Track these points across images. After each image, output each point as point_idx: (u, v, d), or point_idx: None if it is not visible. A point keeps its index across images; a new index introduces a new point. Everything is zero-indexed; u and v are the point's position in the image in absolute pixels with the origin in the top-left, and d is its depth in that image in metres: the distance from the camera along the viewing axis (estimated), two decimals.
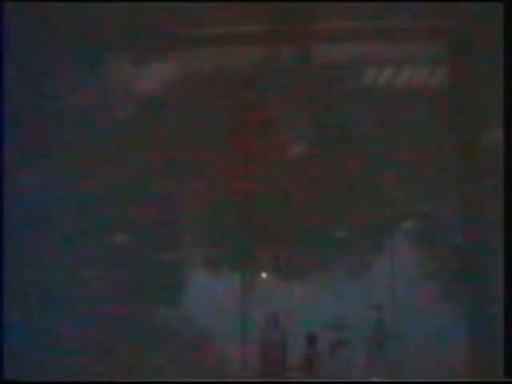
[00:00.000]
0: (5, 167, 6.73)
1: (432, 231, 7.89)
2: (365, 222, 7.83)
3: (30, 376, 6.21)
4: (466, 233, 7.75)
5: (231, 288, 7.78)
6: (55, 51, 7.53)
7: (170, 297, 7.75)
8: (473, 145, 7.76)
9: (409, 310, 7.46)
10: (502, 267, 5.85)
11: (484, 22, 7.12)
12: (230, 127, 7.96)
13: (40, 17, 7.22)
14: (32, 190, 7.37)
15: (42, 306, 7.11)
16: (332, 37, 7.89)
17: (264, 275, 8.00)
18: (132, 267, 7.55)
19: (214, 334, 7.62)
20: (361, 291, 7.57)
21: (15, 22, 6.93)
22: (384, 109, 7.78)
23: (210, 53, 7.96)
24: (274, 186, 7.81)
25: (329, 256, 7.88)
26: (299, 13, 7.67)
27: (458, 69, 7.88)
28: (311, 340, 7.50)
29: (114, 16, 7.52)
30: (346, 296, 7.51)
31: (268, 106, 7.97)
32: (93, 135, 7.55)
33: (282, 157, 8.05)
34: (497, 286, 6.27)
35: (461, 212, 7.73)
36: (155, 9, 7.37)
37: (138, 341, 7.40)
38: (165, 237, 7.78)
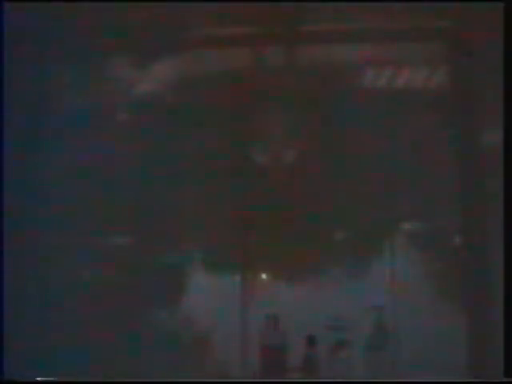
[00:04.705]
0: (5, 167, 6.74)
1: (432, 232, 7.90)
2: (365, 224, 7.84)
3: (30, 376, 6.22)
4: (465, 233, 7.76)
5: (231, 289, 7.78)
6: (55, 52, 7.54)
7: (169, 298, 7.75)
8: (473, 145, 7.77)
9: (409, 311, 7.46)
10: (502, 268, 5.83)
11: (484, 21, 7.14)
12: (229, 130, 7.97)
13: (40, 17, 7.23)
14: (31, 191, 7.36)
15: (41, 306, 7.11)
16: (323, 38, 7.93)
17: (264, 276, 8.00)
18: (131, 268, 7.54)
19: (214, 336, 7.61)
20: (361, 292, 7.57)
21: (15, 22, 6.94)
22: (383, 110, 7.79)
23: (203, 55, 7.99)
24: (274, 187, 7.82)
25: (329, 257, 7.89)
26: (290, 14, 7.69)
27: (457, 69, 7.90)
28: (311, 341, 7.50)
29: (113, 18, 7.53)
30: (346, 297, 7.51)
31: (266, 112, 8.00)
32: (93, 137, 7.55)
33: (281, 158, 8.07)
34: (497, 287, 6.27)
35: (461, 213, 7.74)
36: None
37: (137, 342, 7.38)
38: (165, 238, 7.78)
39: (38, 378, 6.20)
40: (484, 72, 7.40)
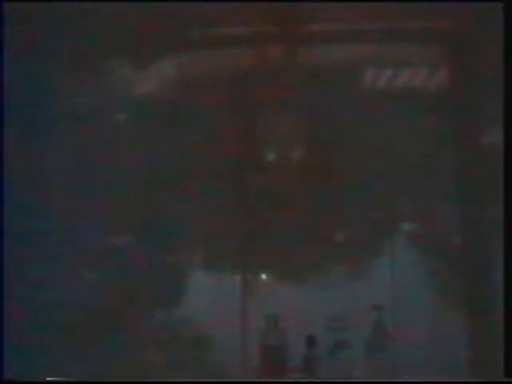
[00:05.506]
0: (5, 167, 6.74)
1: (432, 233, 7.90)
2: (365, 224, 7.84)
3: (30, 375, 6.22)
4: (465, 233, 7.77)
5: (231, 290, 7.79)
6: (55, 53, 7.53)
7: (169, 298, 7.75)
8: (473, 145, 7.78)
9: (409, 311, 7.46)
10: (501, 268, 5.83)
11: (484, 22, 7.15)
12: (229, 129, 7.97)
13: (40, 18, 7.23)
14: (31, 192, 7.36)
15: (42, 306, 7.11)
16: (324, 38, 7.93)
17: (264, 277, 8.00)
18: (132, 269, 7.53)
19: (214, 336, 7.61)
20: (361, 292, 7.58)
21: (15, 23, 6.93)
22: (382, 111, 7.80)
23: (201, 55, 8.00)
24: (274, 188, 7.82)
25: (329, 257, 7.89)
26: (291, 14, 7.70)
27: (457, 69, 7.91)
28: (311, 341, 7.50)
29: (113, 18, 7.52)
30: (346, 297, 7.51)
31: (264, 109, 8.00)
32: (93, 138, 7.55)
33: (281, 158, 8.07)
34: (497, 287, 6.27)
35: (461, 213, 7.75)
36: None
37: (138, 342, 7.39)
38: (164, 238, 7.77)
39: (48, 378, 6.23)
40: (484, 72, 7.43)
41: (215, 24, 7.74)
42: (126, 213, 7.56)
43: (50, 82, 7.58)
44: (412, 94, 8.03)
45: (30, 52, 7.35)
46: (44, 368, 6.62)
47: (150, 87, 7.96)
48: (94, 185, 7.44)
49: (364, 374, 7.45)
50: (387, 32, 7.76)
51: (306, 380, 7.38)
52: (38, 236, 7.30)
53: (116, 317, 7.27)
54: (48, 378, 6.22)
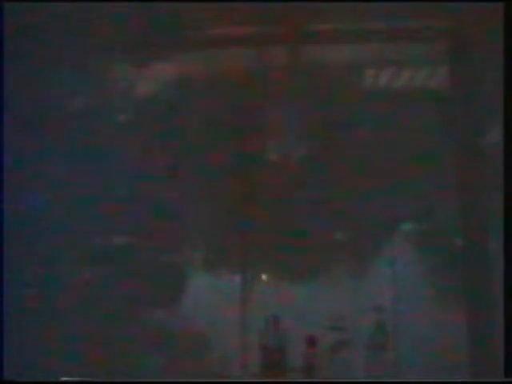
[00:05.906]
0: (5, 168, 6.74)
1: (432, 232, 7.90)
2: (365, 223, 7.84)
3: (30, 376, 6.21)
4: (465, 233, 7.77)
5: (231, 290, 7.78)
6: (54, 52, 7.53)
7: (169, 298, 7.75)
8: (473, 145, 7.78)
9: (409, 311, 7.46)
10: (502, 268, 5.82)
11: (484, 22, 7.15)
12: (229, 129, 7.97)
13: (39, 17, 7.22)
14: (32, 192, 7.36)
15: (41, 305, 7.12)
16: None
17: (264, 277, 8.00)
18: (131, 269, 7.54)
19: (214, 336, 7.60)
20: (361, 292, 7.57)
21: (14, 22, 6.93)
22: (383, 110, 7.80)
23: (202, 55, 8.00)
24: (274, 188, 7.82)
25: (329, 257, 7.88)
26: (292, 14, 7.69)
27: (457, 69, 7.92)
28: (311, 341, 7.48)
29: (113, 17, 7.52)
30: (346, 297, 7.51)
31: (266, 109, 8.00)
32: (93, 138, 7.54)
33: (280, 158, 8.07)
34: (497, 287, 6.27)
35: (461, 212, 7.74)
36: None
37: (137, 342, 7.38)
38: (164, 238, 7.77)
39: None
40: (484, 72, 7.44)
41: (215, 24, 7.74)
42: (126, 213, 7.55)
43: (50, 81, 7.58)
44: (412, 94, 8.03)
45: (30, 52, 7.34)
46: (43, 368, 6.63)
47: (150, 87, 7.96)
48: (94, 185, 7.44)
49: (364, 373, 7.44)
50: (387, 32, 7.77)
51: (305, 380, 7.37)
52: (38, 236, 7.31)
53: (115, 316, 7.28)
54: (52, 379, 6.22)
